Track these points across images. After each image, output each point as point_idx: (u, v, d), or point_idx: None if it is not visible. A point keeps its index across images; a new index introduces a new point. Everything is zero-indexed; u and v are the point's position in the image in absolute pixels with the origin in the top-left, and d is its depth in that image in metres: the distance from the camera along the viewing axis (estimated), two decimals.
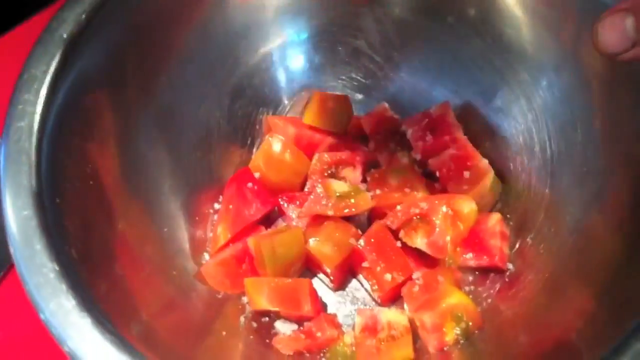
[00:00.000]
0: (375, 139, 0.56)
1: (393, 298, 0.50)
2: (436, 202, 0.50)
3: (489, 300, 0.50)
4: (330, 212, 0.50)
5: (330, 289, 0.52)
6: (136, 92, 0.48)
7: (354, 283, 0.52)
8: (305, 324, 0.49)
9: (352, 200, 0.50)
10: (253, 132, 0.57)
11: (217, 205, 0.54)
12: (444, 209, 0.49)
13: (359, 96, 0.59)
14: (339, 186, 0.51)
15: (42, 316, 0.35)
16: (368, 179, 0.54)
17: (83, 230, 0.40)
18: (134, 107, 0.48)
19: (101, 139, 0.45)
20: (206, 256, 0.52)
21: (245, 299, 0.50)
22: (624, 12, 0.36)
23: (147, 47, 0.48)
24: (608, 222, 0.45)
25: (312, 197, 0.50)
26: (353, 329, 0.49)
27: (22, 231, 0.36)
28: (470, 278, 0.52)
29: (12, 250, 0.36)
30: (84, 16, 0.43)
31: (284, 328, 0.49)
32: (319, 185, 0.51)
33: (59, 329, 0.35)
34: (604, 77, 0.47)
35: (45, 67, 0.41)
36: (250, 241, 0.50)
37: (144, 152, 0.49)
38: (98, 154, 0.45)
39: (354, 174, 0.54)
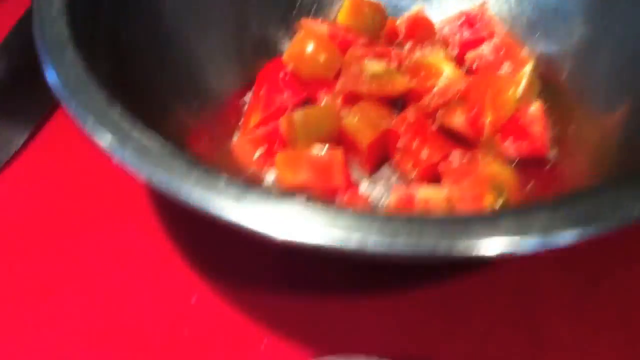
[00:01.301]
0: (411, 43, 0.55)
1: (429, 178, 0.48)
2: (477, 82, 0.48)
3: (528, 186, 0.48)
4: (365, 89, 0.48)
5: (361, 174, 0.50)
6: None
7: (386, 169, 0.50)
8: (337, 199, 0.46)
9: (389, 81, 0.49)
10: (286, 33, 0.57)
11: (248, 98, 0.53)
12: (485, 88, 0.48)
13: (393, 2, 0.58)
14: (375, 65, 0.49)
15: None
16: (404, 65, 0.52)
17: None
18: None
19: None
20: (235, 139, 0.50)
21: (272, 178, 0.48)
22: None
23: None
24: None
25: (346, 75, 0.49)
26: (387, 207, 0.47)
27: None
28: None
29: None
30: None
31: None
32: (357, 64, 0.49)
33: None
34: None
35: None
36: (283, 119, 0.48)
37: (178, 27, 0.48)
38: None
39: None
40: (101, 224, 0.49)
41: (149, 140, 0.32)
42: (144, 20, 0.45)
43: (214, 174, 0.31)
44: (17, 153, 0.54)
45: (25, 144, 0.54)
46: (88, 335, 0.43)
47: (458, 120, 0.48)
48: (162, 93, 0.45)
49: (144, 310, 0.44)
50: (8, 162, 0.53)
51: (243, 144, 0.48)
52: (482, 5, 0.54)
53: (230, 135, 0.50)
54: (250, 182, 0.31)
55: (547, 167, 0.48)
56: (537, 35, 0.53)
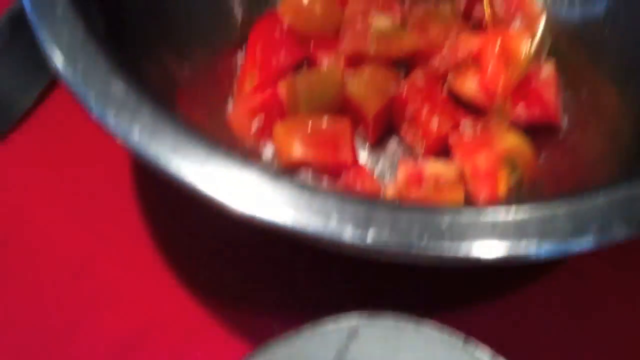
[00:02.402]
0: None
1: (438, 149, 0.45)
2: (488, 40, 0.45)
3: (542, 156, 0.46)
4: (371, 48, 0.45)
5: (365, 144, 0.47)
6: None
7: (393, 140, 0.47)
8: (342, 175, 0.44)
9: (397, 40, 0.45)
10: None
11: (240, 57, 0.49)
12: (496, 48, 0.45)
13: None
14: (382, 21, 0.46)
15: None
16: (409, 22, 0.48)
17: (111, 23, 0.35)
18: None
19: None
20: (230, 105, 0.46)
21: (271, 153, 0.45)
22: None
23: None
24: None
25: (350, 34, 0.45)
26: (394, 182, 0.44)
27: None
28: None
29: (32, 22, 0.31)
30: None
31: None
32: (360, 21, 0.45)
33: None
34: None
35: None
36: (283, 83, 0.45)
37: None
38: None
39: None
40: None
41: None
42: None
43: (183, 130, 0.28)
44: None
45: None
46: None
47: (470, 85, 0.45)
48: (152, 40, 0.41)
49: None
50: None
51: (239, 114, 0.45)
52: None
53: (224, 100, 0.47)
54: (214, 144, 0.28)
55: (560, 135, 0.46)
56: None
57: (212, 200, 0.26)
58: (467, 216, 0.24)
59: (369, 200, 0.25)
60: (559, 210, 0.25)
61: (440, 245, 0.24)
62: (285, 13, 0.48)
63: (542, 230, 0.24)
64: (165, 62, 0.42)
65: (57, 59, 0.30)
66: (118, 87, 0.29)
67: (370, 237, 0.24)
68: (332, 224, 0.24)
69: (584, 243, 0.25)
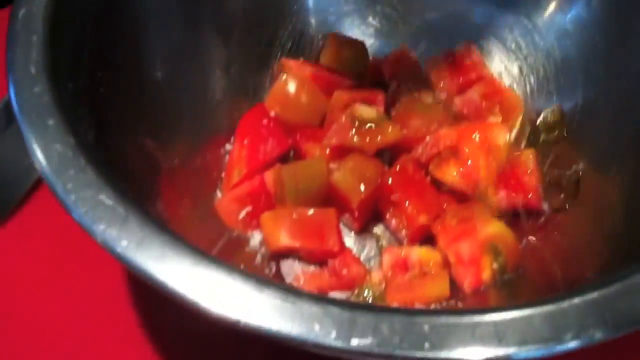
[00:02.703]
0: (396, 82, 0.53)
1: (422, 238, 0.46)
2: (468, 131, 0.46)
3: (524, 242, 0.46)
4: (355, 141, 0.46)
5: (351, 231, 0.48)
6: None
7: (378, 225, 0.48)
8: (329, 261, 0.44)
9: (380, 132, 0.47)
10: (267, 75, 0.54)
11: (229, 147, 0.50)
12: (477, 138, 0.46)
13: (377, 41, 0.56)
14: (366, 112, 0.47)
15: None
16: (392, 113, 0.50)
17: (98, 125, 0.36)
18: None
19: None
20: (218, 194, 0.47)
21: (258, 240, 0.46)
22: None
23: None
24: None
25: (335, 126, 0.47)
26: (380, 269, 0.45)
27: (34, 108, 0.32)
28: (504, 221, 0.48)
29: (22, 128, 0.32)
30: None
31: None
32: (345, 113, 0.47)
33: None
34: None
35: None
36: (269, 174, 0.46)
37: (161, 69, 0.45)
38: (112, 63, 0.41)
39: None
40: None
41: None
42: (123, 65, 0.42)
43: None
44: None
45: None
46: None
47: (451, 174, 0.46)
48: (139, 136, 0.42)
49: None
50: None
51: (227, 202, 0.46)
52: (469, 44, 0.52)
53: (213, 190, 0.48)
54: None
55: (543, 220, 0.47)
56: (539, 90, 0.52)
57: (198, 308, 0.26)
58: (447, 320, 0.25)
59: (352, 305, 0.26)
60: (537, 314, 0.26)
61: (422, 350, 0.24)
62: (272, 105, 0.50)
63: (521, 335, 0.25)
64: (153, 155, 0.43)
65: (46, 170, 0.31)
66: (106, 196, 0.30)
67: (354, 342, 0.25)
68: (316, 328, 0.25)
69: (563, 346, 0.25)
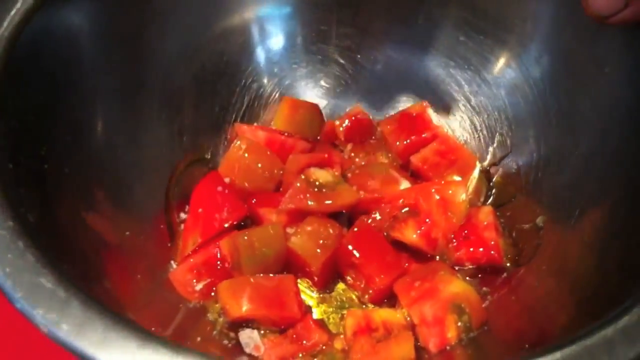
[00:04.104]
0: (351, 143, 0.53)
1: (384, 298, 0.45)
2: (425, 191, 0.46)
3: (488, 298, 0.46)
4: (311, 204, 0.45)
5: (312, 292, 0.47)
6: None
7: (338, 284, 0.47)
8: (291, 328, 0.43)
9: (336, 195, 0.46)
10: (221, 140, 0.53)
11: (183, 216, 0.49)
12: (434, 197, 0.46)
13: (330, 101, 0.56)
14: (322, 175, 0.47)
15: None
16: (348, 175, 0.50)
17: (41, 204, 0.35)
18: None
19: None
20: (173, 265, 0.46)
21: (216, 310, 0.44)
22: None
23: None
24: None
25: (290, 191, 0.46)
26: (343, 332, 0.44)
27: None
28: (467, 278, 0.47)
29: None
30: None
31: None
32: (300, 178, 0.46)
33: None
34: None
35: None
36: (224, 242, 0.45)
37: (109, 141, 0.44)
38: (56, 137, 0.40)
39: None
40: None
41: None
42: (68, 140, 0.41)
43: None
44: None
45: None
46: None
47: (411, 234, 0.45)
48: (85, 214, 0.40)
49: None
50: None
51: (182, 273, 0.44)
52: (422, 104, 0.53)
53: (167, 261, 0.46)
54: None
55: (505, 275, 0.46)
56: (494, 145, 0.53)
57: None
58: None
59: None
60: None
61: None
62: (227, 171, 0.49)
63: None
64: (98, 231, 0.41)
65: None
66: (46, 280, 0.29)
67: None
68: None
69: None
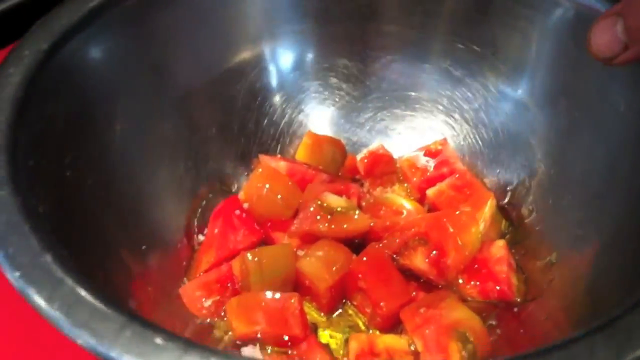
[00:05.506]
0: (370, 179, 0.54)
1: (390, 325, 0.45)
2: (438, 220, 0.46)
3: (497, 332, 0.45)
4: (322, 228, 0.46)
5: (319, 315, 0.47)
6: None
7: (346, 308, 0.47)
8: (294, 348, 0.43)
9: (348, 220, 0.47)
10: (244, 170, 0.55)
11: (201, 238, 0.51)
12: (445, 227, 0.46)
13: (354, 137, 0.58)
14: (335, 201, 0.48)
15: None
16: (363, 204, 0.51)
17: (56, 201, 0.37)
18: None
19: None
20: (185, 281, 0.47)
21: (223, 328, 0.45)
22: (615, 16, 0.36)
23: None
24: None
25: (302, 213, 0.47)
26: (346, 356, 0.44)
27: None
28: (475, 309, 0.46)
29: None
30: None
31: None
32: (314, 202, 0.47)
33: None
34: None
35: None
36: (236, 261, 0.46)
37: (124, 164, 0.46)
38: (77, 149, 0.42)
39: None
40: None
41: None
42: (91, 159, 0.43)
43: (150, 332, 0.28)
44: None
45: None
46: None
47: (419, 261, 0.45)
48: (107, 235, 0.42)
49: None
50: None
51: (192, 289, 0.45)
52: (443, 140, 0.54)
53: (181, 277, 0.47)
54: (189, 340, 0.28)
55: (515, 309, 0.46)
56: (497, 172, 0.53)
57: None
58: None
59: None
60: None
61: None
62: (246, 198, 0.50)
63: None
64: (126, 262, 0.43)
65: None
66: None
67: None
68: None
69: None
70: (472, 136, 0.54)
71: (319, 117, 0.57)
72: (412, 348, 0.43)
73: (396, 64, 0.54)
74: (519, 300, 0.46)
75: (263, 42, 0.53)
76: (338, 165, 0.55)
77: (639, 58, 0.37)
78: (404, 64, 0.55)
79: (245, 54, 0.53)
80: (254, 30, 0.53)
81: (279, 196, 0.50)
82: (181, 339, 0.29)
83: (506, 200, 0.52)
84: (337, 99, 0.56)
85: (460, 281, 0.46)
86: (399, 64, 0.55)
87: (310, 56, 0.55)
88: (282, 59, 0.54)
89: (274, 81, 0.55)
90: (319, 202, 0.48)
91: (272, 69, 0.54)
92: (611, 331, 0.29)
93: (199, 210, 0.51)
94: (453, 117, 0.55)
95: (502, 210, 0.52)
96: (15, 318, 0.45)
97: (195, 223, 0.51)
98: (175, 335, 0.29)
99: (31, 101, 0.39)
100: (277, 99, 0.55)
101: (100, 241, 0.41)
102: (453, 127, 0.55)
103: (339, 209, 0.48)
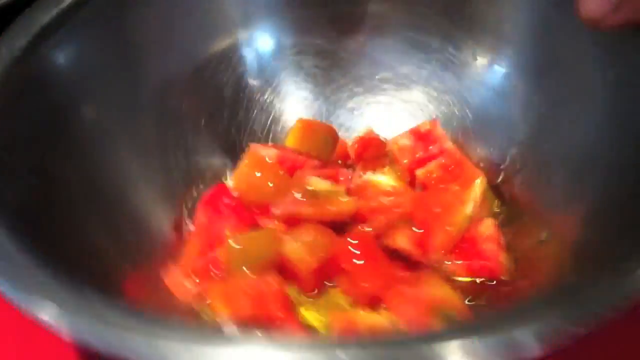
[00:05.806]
0: (362, 163, 0.54)
1: (374, 305, 0.44)
2: (423, 200, 0.46)
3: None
4: (306, 210, 0.46)
5: (304, 297, 0.46)
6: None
7: (329, 290, 0.46)
8: (275, 329, 0.43)
9: (333, 202, 0.47)
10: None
11: (192, 228, 0.51)
12: (431, 206, 0.46)
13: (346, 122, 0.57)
14: (320, 183, 0.48)
15: None
16: (352, 186, 0.50)
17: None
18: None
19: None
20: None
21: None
22: None
23: None
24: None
25: (287, 198, 0.47)
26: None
27: None
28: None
29: None
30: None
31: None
32: (299, 185, 0.47)
33: None
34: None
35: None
36: (222, 248, 0.46)
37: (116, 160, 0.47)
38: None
39: None
40: None
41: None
42: (71, 156, 0.44)
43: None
44: None
45: None
46: None
47: (403, 241, 0.45)
48: (91, 230, 0.43)
49: None
50: None
51: (178, 276, 0.46)
52: (432, 121, 0.53)
53: (168, 263, 0.48)
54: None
55: (505, 289, 0.45)
56: (490, 150, 0.52)
57: None
58: None
59: None
60: None
61: None
62: (236, 185, 0.51)
63: None
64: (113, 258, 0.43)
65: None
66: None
67: None
68: None
69: None
70: (459, 115, 0.53)
71: (304, 103, 0.57)
72: (394, 324, 0.42)
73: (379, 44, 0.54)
74: (507, 279, 0.45)
75: (240, 30, 0.53)
76: (330, 150, 0.55)
77: (629, 21, 0.36)
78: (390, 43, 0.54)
79: (223, 43, 0.53)
80: (230, 19, 0.53)
81: (270, 184, 0.50)
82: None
83: (500, 179, 0.51)
84: (320, 84, 0.56)
85: (448, 262, 0.46)
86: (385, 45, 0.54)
87: (288, 41, 0.55)
88: (261, 45, 0.55)
89: (257, 68, 0.55)
90: (304, 185, 0.48)
91: (253, 56, 0.54)
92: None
93: (190, 201, 0.52)
94: (441, 97, 0.54)
95: (495, 190, 0.51)
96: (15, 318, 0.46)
97: (186, 214, 0.51)
98: None
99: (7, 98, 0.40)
100: (262, 86, 0.55)
101: (82, 234, 0.42)
102: (440, 106, 0.54)
103: (324, 192, 0.47)
